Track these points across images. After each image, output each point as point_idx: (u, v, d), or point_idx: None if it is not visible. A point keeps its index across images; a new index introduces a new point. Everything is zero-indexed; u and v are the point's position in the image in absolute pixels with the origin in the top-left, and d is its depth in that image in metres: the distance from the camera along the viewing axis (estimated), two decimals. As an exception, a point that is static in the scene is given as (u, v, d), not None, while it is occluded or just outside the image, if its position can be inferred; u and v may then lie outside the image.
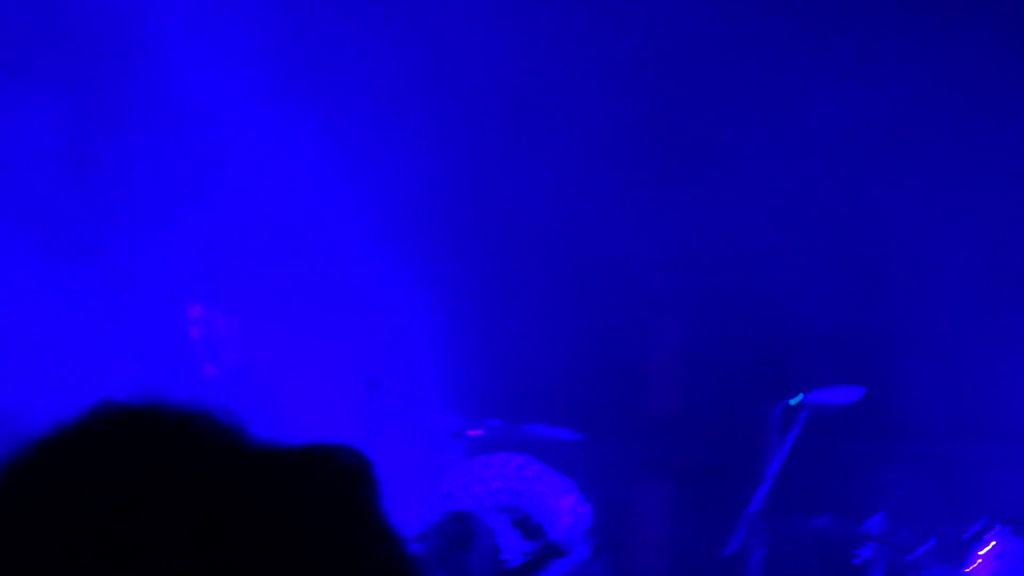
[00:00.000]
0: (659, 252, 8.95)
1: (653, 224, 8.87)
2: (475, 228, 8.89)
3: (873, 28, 8.83)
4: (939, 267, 8.81)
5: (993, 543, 6.99)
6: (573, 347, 8.93)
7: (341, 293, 8.46)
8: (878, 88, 8.84)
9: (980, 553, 6.99)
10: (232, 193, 8.53)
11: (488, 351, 8.59)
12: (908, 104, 8.78)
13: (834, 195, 8.91)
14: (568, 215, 8.85)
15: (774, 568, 7.29)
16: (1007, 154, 8.86)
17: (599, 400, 8.82)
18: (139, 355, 7.85)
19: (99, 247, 8.36)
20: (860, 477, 8.55)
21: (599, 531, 7.38)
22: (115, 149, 8.52)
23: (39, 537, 1.02)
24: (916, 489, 8.48)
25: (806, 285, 8.77)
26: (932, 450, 8.77)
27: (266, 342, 7.80)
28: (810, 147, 8.82)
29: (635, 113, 8.86)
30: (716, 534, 7.34)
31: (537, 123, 8.86)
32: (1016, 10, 8.75)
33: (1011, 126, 8.77)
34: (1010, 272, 8.88)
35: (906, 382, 8.83)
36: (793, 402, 7.17)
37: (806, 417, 7.18)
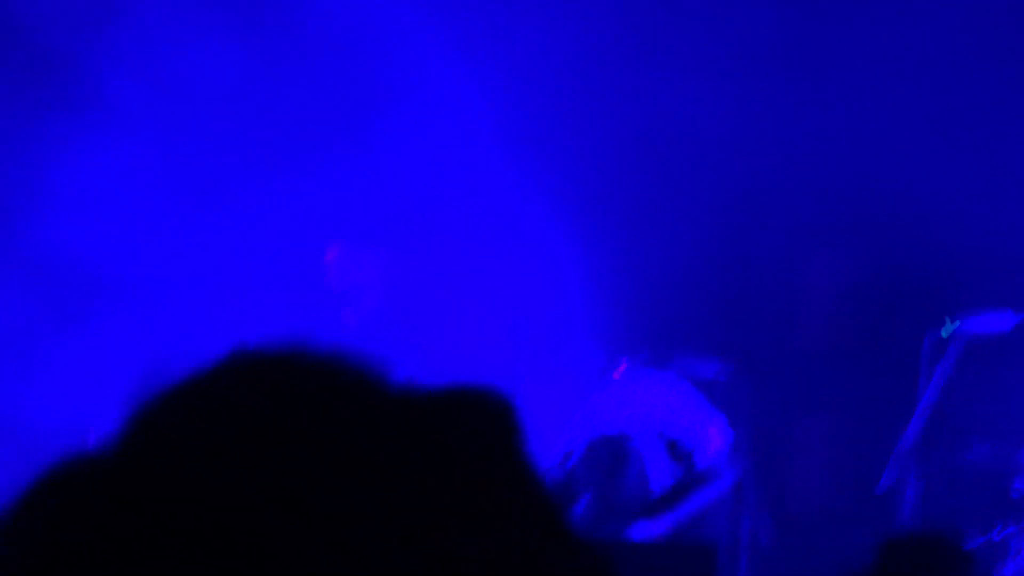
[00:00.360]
0: (811, 178, 8.71)
1: (804, 150, 8.63)
2: (620, 156, 8.69)
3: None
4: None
5: None
6: (722, 278, 8.76)
7: (485, 230, 8.38)
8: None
9: None
10: (378, 131, 8.45)
11: (635, 282, 8.41)
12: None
13: (989, 112, 8.57)
14: (714, 140, 8.62)
15: (930, 504, 7.16)
16: None
17: (749, 332, 8.61)
18: (279, 299, 7.81)
19: (241, 186, 8.33)
20: (1020, 407, 8.23)
21: (751, 468, 7.27)
22: (269, 83, 8.50)
23: (175, 490, 1.00)
24: None
25: (965, 208, 8.45)
26: None
27: (410, 283, 7.71)
28: (967, 62, 8.49)
29: (780, 30, 8.62)
30: (870, 470, 7.21)
31: (680, 43, 8.65)
32: None
33: None
34: None
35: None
36: (948, 331, 6.93)
37: (962, 346, 6.91)
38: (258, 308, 7.86)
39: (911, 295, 8.49)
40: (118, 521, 0.99)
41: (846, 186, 8.74)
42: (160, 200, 8.20)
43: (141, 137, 8.22)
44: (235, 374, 1.06)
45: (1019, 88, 8.56)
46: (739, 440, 6.92)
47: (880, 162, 8.64)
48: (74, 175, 8.13)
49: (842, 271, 9.03)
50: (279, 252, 8.22)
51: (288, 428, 1.02)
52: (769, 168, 8.71)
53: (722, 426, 6.66)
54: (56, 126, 8.16)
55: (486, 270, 8.22)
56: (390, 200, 8.29)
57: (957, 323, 7.01)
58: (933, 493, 7.20)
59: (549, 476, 6.42)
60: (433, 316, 7.77)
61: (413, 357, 7.13)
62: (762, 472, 7.49)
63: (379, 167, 8.41)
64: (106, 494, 1.01)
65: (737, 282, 8.80)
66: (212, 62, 8.35)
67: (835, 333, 9.01)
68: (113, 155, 8.12)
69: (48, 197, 8.07)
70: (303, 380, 1.06)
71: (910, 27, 8.50)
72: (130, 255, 8.13)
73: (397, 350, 7.08)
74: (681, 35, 8.66)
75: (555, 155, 8.51)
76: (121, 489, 1.01)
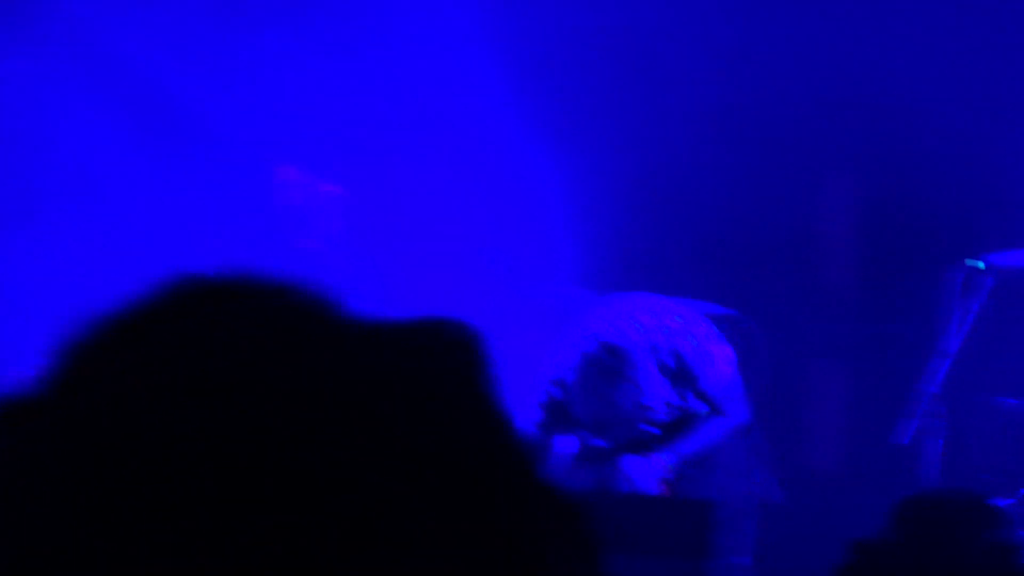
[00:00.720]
0: (825, 93, 8.32)
1: (816, 61, 8.24)
2: (614, 77, 8.32)
3: None
4: None
5: None
6: (732, 209, 8.35)
7: (463, 161, 8.08)
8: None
9: None
10: (342, 51, 8.14)
11: (636, 216, 8.03)
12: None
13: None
14: (714, 51, 8.28)
15: (956, 455, 6.83)
16: None
17: (761, 268, 8.22)
18: (228, 224, 7.41)
19: (188, 107, 8.05)
20: None
21: (768, 414, 6.91)
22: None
23: (113, 422, 0.99)
24: None
25: (994, 133, 7.94)
26: None
27: (375, 213, 7.32)
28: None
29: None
30: (893, 416, 6.82)
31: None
32: None
33: None
34: None
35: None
36: (977, 266, 6.47)
37: (992, 283, 6.63)
38: (209, 236, 7.47)
39: (938, 226, 8.19)
40: (45, 460, 0.99)
41: (860, 114, 8.41)
42: (109, 123, 7.90)
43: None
44: (178, 302, 1.05)
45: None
46: (750, 386, 6.51)
47: (895, 88, 8.28)
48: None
49: (863, 197, 8.64)
50: (235, 178, 7.82)
51: (238, 358, 1.01)
52: (777, 98, 8.37)
53: (730, 356, 6.24)
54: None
55: (461, 202, 7.81)
56: (360, 125, 7.95)
57: (988, 257, 6.53)
58: (960, 445, 6.83)
59: (538, 397, 6.26)
60: (403, 251, 7.36)
61: (375, 288, 6.74)
62: (775, 422, 7.10)
63: (349, 87, 8.08)
64: (34, 433, 1.01)
65: (748, 213, 8.37)
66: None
67: (849, 272, 8.69)
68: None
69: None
70: (252, 307, 1.05)
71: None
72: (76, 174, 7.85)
73: (359, 280, 6.70)
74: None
75: (542, 79, 8.08)
76: (52, 427, 1.00)
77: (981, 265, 6.62)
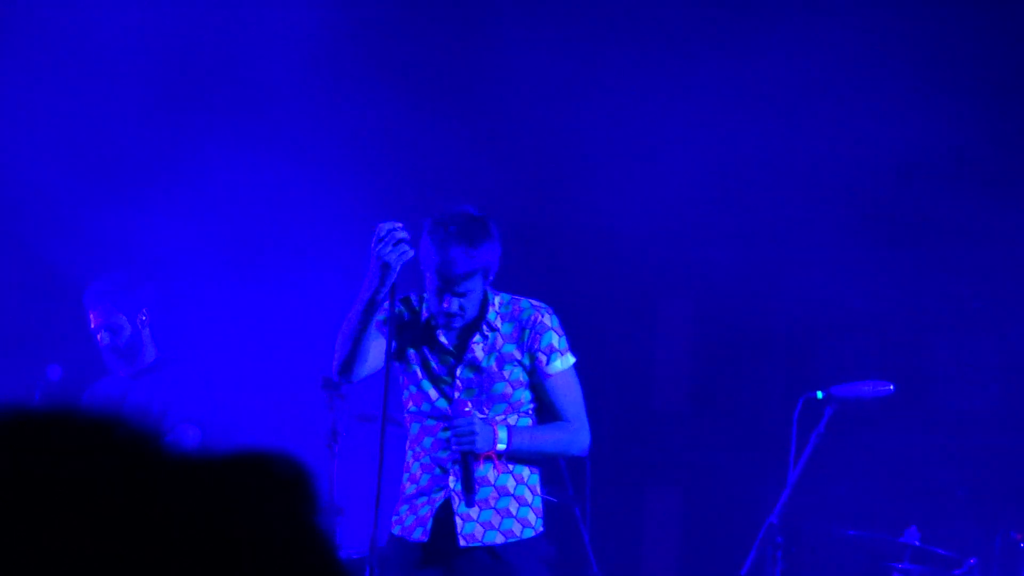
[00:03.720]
0: (662, 224, 8.32)
1: (656, 190, 8.23)
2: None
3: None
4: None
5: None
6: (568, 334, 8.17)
7: (296, 288, 8.11)
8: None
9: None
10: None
11: None
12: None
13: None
14: (552, 183, 8.23)
15: None
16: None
17: (598, 395, 8.05)
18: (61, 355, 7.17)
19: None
20: (896, 475, 7.75)
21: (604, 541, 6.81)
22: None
23: None
24: (973, 487, 7.89)
25: (831, 259, 8.00)
26: (984, 441, 7.99)
27: (209, 337, 7.15)
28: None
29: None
30: (731, 546, 6.84)
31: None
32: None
33: None
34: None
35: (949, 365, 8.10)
36: (815, 395, 6.59)
37: (830, 412, 6.57)
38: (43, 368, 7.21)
39: (777, 355, 8.13)
40: None
41: (706, 233, 8.46)
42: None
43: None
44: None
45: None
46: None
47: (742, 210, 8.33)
48: None
49: (700, 325, 8.56)
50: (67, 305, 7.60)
51: (55, 490, 0.99)
52: (617, 210, 8.33)
53: None
54: None
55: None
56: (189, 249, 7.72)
57: (828, 388, 6.53)
58: (802, 574, 6.74)
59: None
60: (240, 378, 7.17)
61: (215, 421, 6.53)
62: (615, 549, 7.00)
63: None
64: None
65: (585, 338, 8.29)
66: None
67: (691, 395, 8.54)
68: None
69: None
70: (73, 439, 1.03)
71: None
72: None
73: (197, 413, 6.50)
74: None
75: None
76: None
77: (819, 394, 6.59)
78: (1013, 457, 8.00)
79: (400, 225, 5.51)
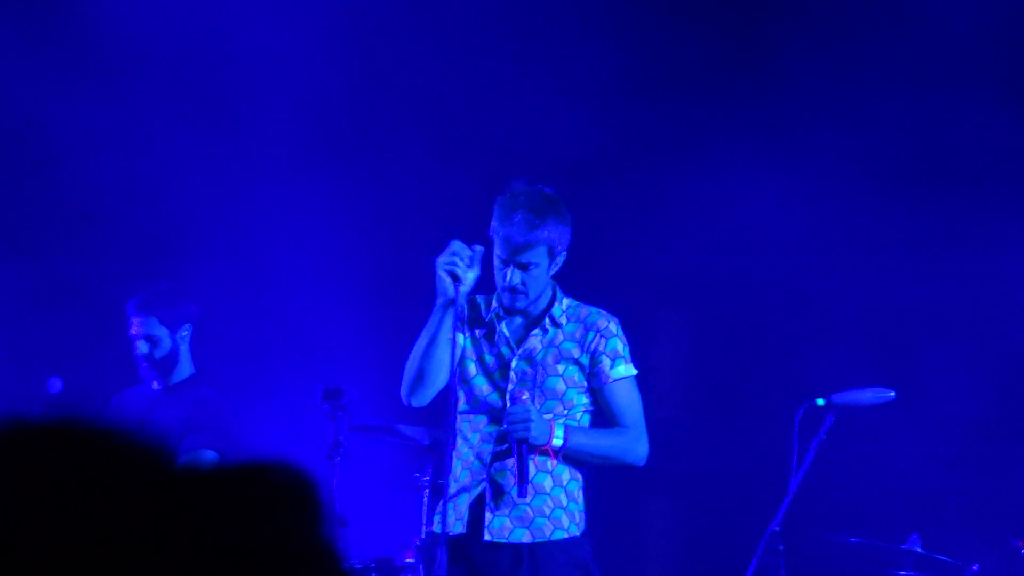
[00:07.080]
0: (662, 235, 8.37)
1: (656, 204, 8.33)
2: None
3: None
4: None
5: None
6: None
7: (294, 307, 8.11)
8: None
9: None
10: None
11: None
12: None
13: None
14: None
15: None
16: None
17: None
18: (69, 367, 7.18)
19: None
20: (898, 482, 7.82)
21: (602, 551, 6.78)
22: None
23: None
24: (975, 494, 7.95)
25: (831, 266, 7.98)
26: (986, 449, 8.00)
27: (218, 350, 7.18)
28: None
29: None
30: (732, 556, 6.83)
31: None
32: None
33: None
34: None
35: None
36: (816, 402, 6.59)
37: (831, 420, 6.60)
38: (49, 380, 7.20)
39: (777, 363, 8.20)
40: None
41: (705, 243, 8.45)
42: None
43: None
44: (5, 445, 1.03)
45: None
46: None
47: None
48: None
49: (699, 334, 8.59)
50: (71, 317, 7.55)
51: (64, 501, 0.98)
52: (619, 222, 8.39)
53: None
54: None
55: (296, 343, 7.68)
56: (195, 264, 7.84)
57: (828, 395, 6.52)
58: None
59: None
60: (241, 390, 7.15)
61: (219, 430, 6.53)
62: (613, 560, 6.97)
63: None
64: None
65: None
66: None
67: (690, 404, 8.61)
68: None
69: None
70: (81, 452, 1.02)
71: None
72: None
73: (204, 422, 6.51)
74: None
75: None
76: None
77: (820, 401, 6.58)
78: (1015, 464, 7.99)
79: (474, 247, 5.49)
